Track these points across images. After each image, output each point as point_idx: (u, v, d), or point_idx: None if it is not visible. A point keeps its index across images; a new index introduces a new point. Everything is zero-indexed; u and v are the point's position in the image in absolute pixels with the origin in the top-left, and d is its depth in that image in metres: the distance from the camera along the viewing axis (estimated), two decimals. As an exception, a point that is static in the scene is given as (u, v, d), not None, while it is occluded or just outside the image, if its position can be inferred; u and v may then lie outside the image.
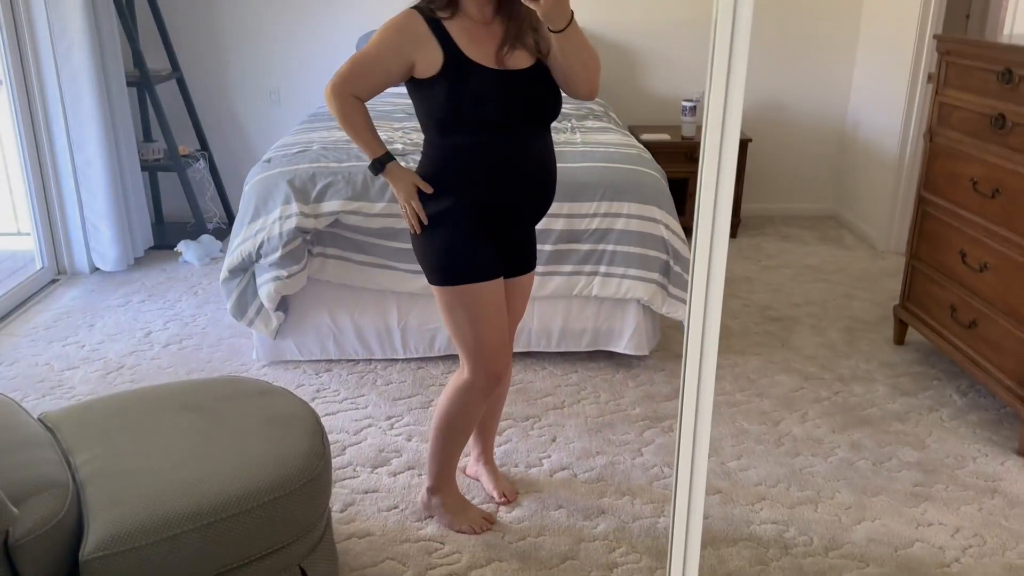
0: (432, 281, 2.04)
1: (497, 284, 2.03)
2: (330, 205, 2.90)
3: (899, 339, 3.34)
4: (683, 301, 2.97)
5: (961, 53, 2.86)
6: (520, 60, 1.92)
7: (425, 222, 1.99)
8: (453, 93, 1.87)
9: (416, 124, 3.14)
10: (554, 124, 3.55)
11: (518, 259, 2.15)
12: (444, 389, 2.17)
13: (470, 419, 2.15)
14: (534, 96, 1.94)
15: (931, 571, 2.10)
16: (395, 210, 2.90)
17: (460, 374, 2.11)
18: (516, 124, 1.93)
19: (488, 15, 1.91)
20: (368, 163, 2.05)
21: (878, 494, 2.40)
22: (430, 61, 1.87)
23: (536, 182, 2.00)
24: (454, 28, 1.88)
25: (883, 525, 2.27)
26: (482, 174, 1.94)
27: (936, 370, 3.13)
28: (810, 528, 2.26)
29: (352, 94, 1.96)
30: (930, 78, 3.92)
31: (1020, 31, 3.34)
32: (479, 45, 1.88)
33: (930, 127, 3.05)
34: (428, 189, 1.97)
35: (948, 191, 2.93)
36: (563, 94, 1.99)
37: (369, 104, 3.90)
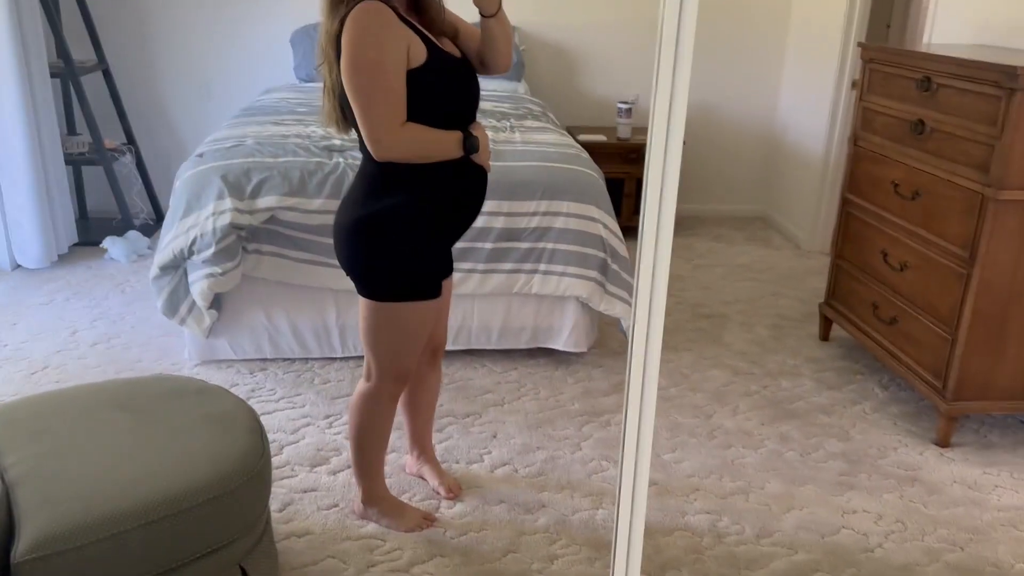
0: (372, 296, 1.92)
1: (438, 301, 2.01)
2: (266, 201, 2.86)
3: (824, 335, 3.47)
4: (620, 299, 3.02)
5: (883, 61, 2.99)
6: (453, 49, 1.93)
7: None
8: (435, 84, 1.80)
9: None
10: (494, 123, 3.59)
11: (447, 262, 2.12)
12: (351, 401, 2.12)
13: (383, 425, 2.13)
14: (476, 83, 1.96)
15: (856, 556, 2.19)
16: (333, 207, 2.88)
17: (364, 382, 2.08)
18: (471, 113, 1.93)
19: (410, 5, 1.87)
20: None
21: (806, 484, 2.49)
22: (416, 52, 1.77)
23: (483, 172, 1.99)
24: (408, 18, 1.82)
25: (811, 513, 2.36)
26: (449, 168, 1.88)
27: (859, 365, 3.26)
28: (742, 517, 2.33)
29: (401, 124, 1.77)
30: (854, 84, 4.08)
31: (938, 40, 3.50)
32: (429, 34, 1.86)
33: (854, 132, 3.17)
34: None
35: (871, 193, 3.06)
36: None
37: (289, 101, 3.89)
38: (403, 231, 1.89)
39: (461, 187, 1.94)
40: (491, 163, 2.05)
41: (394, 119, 1.76)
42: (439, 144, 1.84)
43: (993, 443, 2.73)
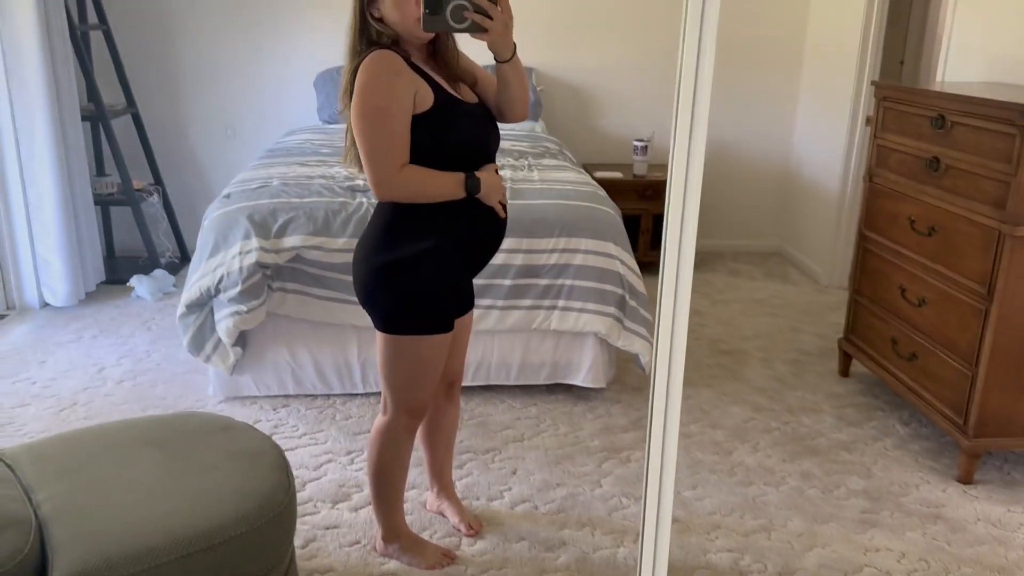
0: (387, 329, 1.98)
1: (451, 336, 2.05)
2: (291, 240, 2.92)
3: (844, 371, 3.46)
4: (638, 335, 3.05)
5: (897, 99, 3.02)
6: (469, 94, 1.99)
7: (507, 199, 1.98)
8: (443, 129, 1.86)
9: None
10: (512, 162, 3.65)
11: (465, 298, 2.17)
12: (370, 436, 2.15)
13: (401, 459, 2.15)
14: (491, 128, 2.01)
15: (880, 595, 2.18)
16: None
17: (382, 415, 2.11)
18: (485, 157, 1.98)
19: (426, 53, 1.94)
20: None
21: (828, 521, 2.48)
22: (423, 97, 1.84)
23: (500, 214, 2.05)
24: (420, 64, 1.89)
25: (834, 551, 2.35)
26: (463, 209, 1.93)
27: (880, 401, 3.25)
28: (764, 556, 2.32)
29: (401, 166, 1.84)
30: (868, 121, 4.11)
31: (951, 77, 3.53)
32: (442, 80, 1.93)
33: (869, 168, 3.20)
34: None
35: (887, 229, 3.07)
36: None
37: (313, 142, 3.98)
38: (422, 273, 1.93)
39: (478, 228, 1.98)
40: (510, 201, 2.09)
41: (394, 161, 1.82)
42: (438, 185, 1.89)
43: (1017, 480, 2.71)
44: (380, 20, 1.86)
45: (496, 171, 2.01)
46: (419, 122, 1.85)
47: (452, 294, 2.03)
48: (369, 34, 1.87)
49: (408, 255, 1.92)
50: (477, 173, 1.93)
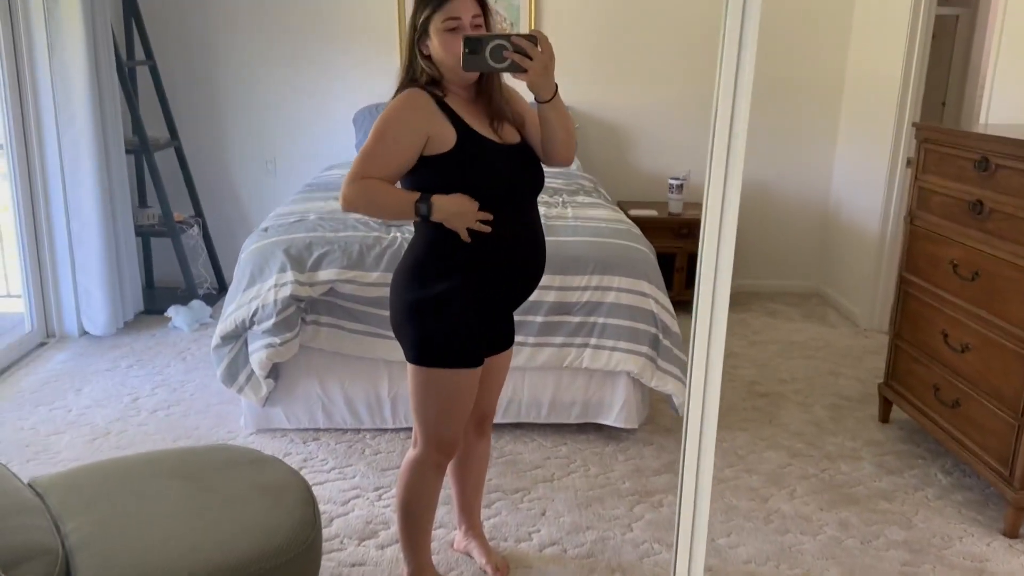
0: (416, 360, 1.99)
1: (480, 371, 2.04)
2: (326, 274, 2.94)
3: (884, 417, 3.37)
4: (672, 375, 3.00)
5: (939, 141, 2.98)
6: (511, 134, 1.99)
7: (490, 217, 1.91)
8: (466, 168, 1.88)
9: None
10: (546, 199, 3.65)
11: (501, 336, 2.17)
12: (400, 470, 2.14)
13: (429, 495, 2.12)
14: (529, 168, 2.00)
15: (922, 653, 2.09)
16: (390, 280, 2.93)
17: (412, 450, 2.10)
18: (518, 197, 1.97)
19: (472, 92, 1.96)
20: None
21: (866, 573, 2.40)
22: (443, 137, 1.87)
23: (536, 254, 2.03)
24: (454, 104, 1.91)
25: (873, 605, 2.26)
26: (491, 249, 1.93)
27: (921, 449, 3.15)
28: (800, 607, 2.25)
29: (363, 177, 1.87)
30: (909, 163, 4.05)
31: (995, 119, 3.48)
32: (477, 120, 1.93)
33: (910, 211, 3.15)
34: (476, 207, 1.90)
35: (929, 273, 3.01)
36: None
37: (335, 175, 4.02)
38: (449, 310, 1.93)
39: (507, 266, 1.98)
40: (547, 238, 2.07)
41: (357, 172, 1.86)
42: (389, 202, 1.89)
43: (1067, 535, 2.61)
44: (428, 58, 1.90)
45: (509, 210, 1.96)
46: (441, 161, 1.87)
47: (481, 330, 2.01)
48: (413, 70, 1.91)
49: (435, 293, 1.92)
50: (445, 198, 1.88)
